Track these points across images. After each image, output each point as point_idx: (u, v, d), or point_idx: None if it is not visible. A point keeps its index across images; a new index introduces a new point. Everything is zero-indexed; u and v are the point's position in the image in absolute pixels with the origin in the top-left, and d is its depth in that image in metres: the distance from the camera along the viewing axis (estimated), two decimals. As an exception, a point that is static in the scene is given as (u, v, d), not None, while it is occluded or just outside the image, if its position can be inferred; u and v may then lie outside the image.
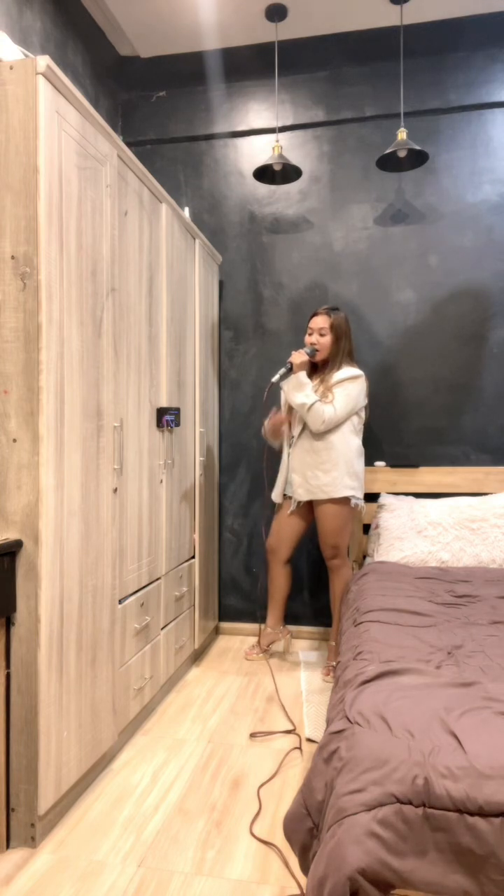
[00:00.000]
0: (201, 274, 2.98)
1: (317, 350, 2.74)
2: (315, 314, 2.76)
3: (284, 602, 2.96)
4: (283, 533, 2.86)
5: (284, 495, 2.88)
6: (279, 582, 2.93)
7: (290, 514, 2.83)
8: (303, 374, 2.68)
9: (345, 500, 2.68)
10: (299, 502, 2.81)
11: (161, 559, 2.46)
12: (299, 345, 3.30)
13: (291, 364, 2.70)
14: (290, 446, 2.84)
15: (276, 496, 2.90)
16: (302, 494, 2.72)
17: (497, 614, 1.97)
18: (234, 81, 3.33)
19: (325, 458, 2.67)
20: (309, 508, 2.83)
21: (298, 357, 2.70)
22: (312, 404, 2.62)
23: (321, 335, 2.72)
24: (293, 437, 2.80)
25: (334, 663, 2.75)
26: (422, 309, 3.17)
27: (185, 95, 3.38)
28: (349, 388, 2.66)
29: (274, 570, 2.92)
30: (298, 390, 2.65)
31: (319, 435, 2.68)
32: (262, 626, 3.00)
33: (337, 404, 2.63)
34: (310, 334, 2.75)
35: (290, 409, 2.82)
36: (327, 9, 3.02)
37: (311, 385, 2.68)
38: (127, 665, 2.11)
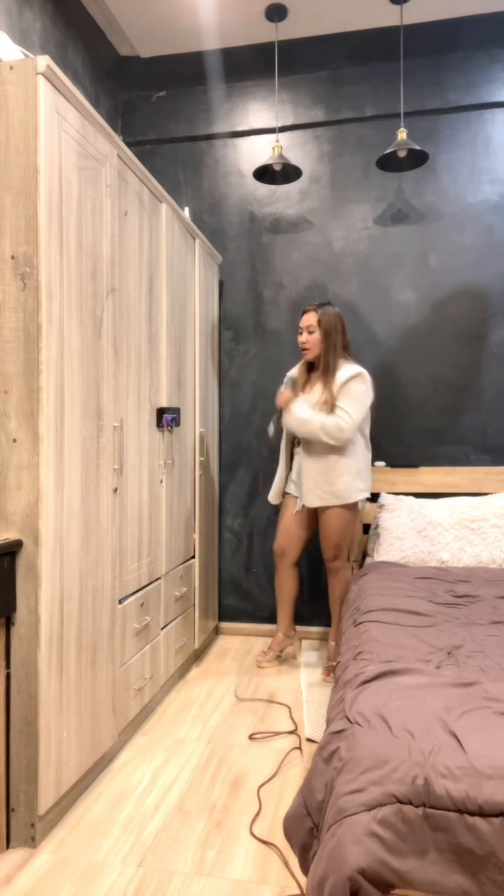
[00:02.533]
0: (201, 274, 2.98)
1: (294, 378, 2.74)
2: (305, 311, 2.71)
3: (294, 606, 2.90)
4: (292, 533, 2.81)
5: (285, 494, 2.87)
6: (288, 586, 2.87)
7: (296, 513, 2.80)
8: (296, 408, 2.59)
9: (353, 503, 2.67)
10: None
11: (161, 559, 2.46)
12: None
13: (279, 409, 2.63)
14: (289, 445, 2.82)
15: (274, 498, 2.86)
16: (313, 501, 2.64)
17: (497, 614, 1.97)
18: (234, 81, 3.33)
19: (335, 464, 2.61)
20: (313, 508, 2.81)
21: (283, 398, 2.64)
22: (322, 424, 2.54)
23: (309, 332, 2.66)
24: (299, 439, 2.77)
25: (334, 664, 2.75)
26: (422, 309, 3.17)
27: (185, 95, 3.38)
28: (354, 388, 2.58)
29: (283, 574, 2.86)
30: (301, 425, 2.57)
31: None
32: (277, 633, 2.95)
33: (349, 410, 2.55)
34: (300, 333, 2.71)
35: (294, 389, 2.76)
36: (327, 9, 3.02)
37: (307, 410, 2.59)
38: (127, 665, 2.11)
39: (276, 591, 2.91)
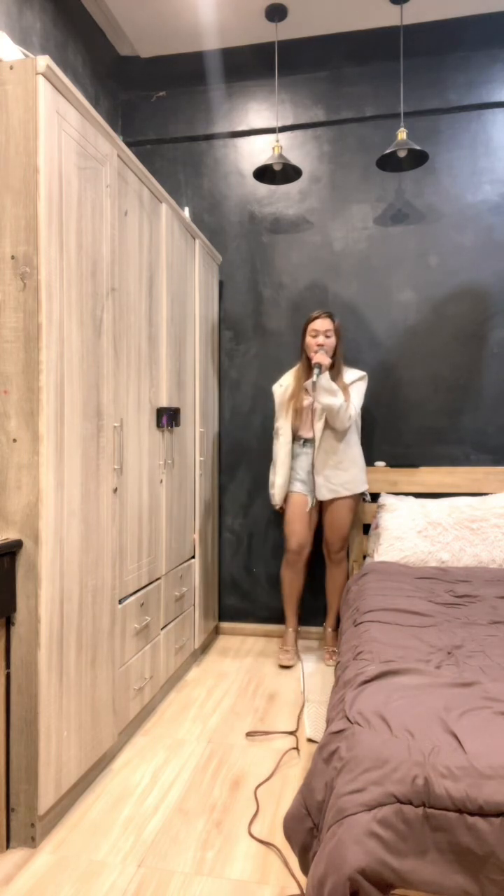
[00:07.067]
0: (201, 274, 2.98)
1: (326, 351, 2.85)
2: (316, 317, 2.85)
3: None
4: (308, 530, 2.93)
5: (289, 493, 2.96)
6: (300, 582, 3.02)
7: (308, 511, 2.91)
8: (326, 377, 2.76)
9: (358, 495, 2.89)
10: (315, 500, 2.91)
11: (161, 559, 2.46)
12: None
13: (320, 365, 2.75)
14: (302, 446, 2.93)
15: (279, 498, 2.94)
16: (325, 494, 2.83)
17: (497, 614, 1.97)
18: (234, 81, 3.33)
19: (343, 458, 2.85)
20: (317, 506, 2.95)
21: (325, 359, 2.76)
22: (342, 405, 2.74)
23: (327, 337, 2.83)
24: (307, 438, 2.90)
25: (335, 648, 2.88)
26: (422, 309, 3.17)
27: (185, 95, 3.38)
28: (361, 387, 2.88)
29: (297, 571, 2.99)
30: (330, 393, 2.73)
31: (338, 435, 2.83)
32: (289, 629, 3.04)
33: (355, 403, 2.84)
34: (314, 336, 2.83)
35: (301, 410, 2.90)
36: (327, 9, 3.02)
37: (338, 388, 2.78)
38: (127, 665, 2.11)
39: (287, 588, 3.02)
